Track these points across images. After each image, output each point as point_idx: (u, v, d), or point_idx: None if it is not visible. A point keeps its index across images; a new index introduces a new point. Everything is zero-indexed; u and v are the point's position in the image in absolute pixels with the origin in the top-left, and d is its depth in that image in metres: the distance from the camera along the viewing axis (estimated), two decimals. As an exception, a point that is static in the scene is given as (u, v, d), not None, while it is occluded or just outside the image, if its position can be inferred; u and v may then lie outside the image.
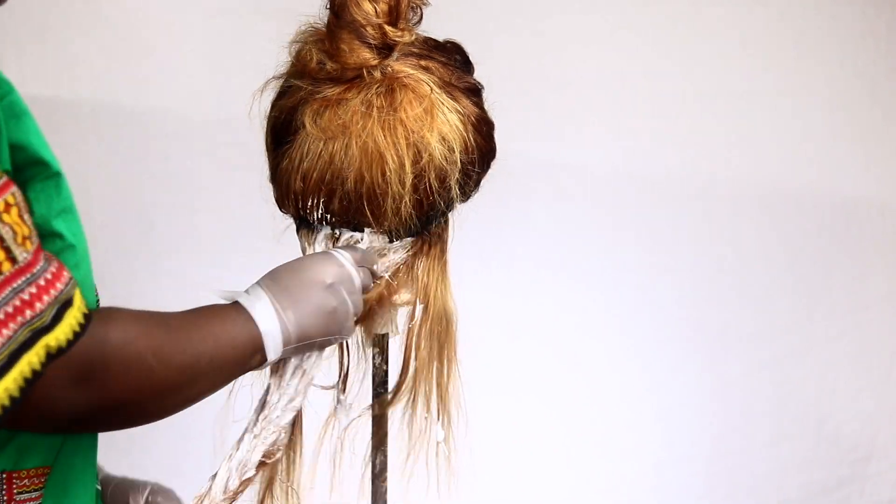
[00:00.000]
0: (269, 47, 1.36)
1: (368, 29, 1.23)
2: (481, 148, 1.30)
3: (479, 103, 1.31)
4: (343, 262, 1.23)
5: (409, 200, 1.24)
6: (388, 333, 1.37)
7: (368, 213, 1.25)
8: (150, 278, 2.51)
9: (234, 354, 1.13)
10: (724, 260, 2.82)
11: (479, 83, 1.33)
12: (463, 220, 1.37)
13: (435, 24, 1.35)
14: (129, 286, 2.41)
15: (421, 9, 1.29)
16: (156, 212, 2.55)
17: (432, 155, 1.24)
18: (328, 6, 1.26)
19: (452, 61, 1.31)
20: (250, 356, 1.15)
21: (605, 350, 2.78)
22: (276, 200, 1.34)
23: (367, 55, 1.24)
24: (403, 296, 1.33)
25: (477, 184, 1.33)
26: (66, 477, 1.10)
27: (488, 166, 1.33)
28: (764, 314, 2.84)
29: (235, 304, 1.16)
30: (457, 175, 1.26)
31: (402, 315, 1.40)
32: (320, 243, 1.30)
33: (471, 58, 1.35)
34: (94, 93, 2.51)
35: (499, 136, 1.37)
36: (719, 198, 2.80)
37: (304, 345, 1.19)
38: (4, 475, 1.06)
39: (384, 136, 1.23)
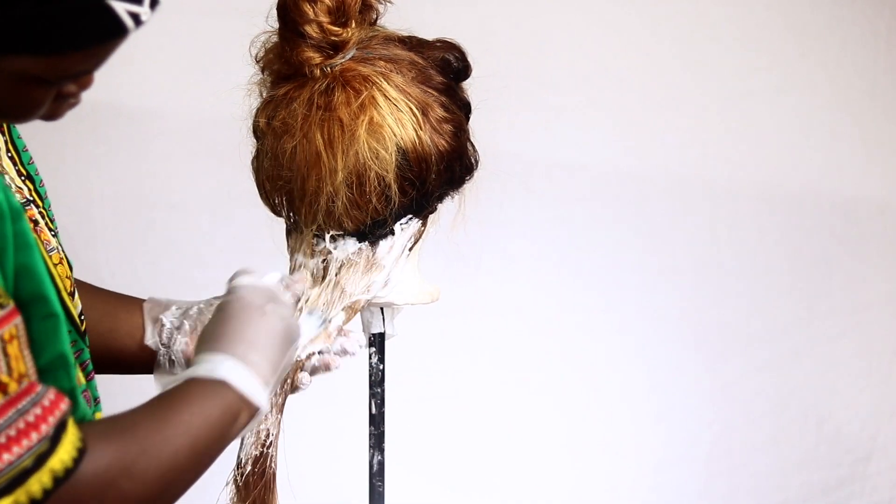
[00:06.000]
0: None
1: (307, 28, 1.23)
2: (440, 148, 1.28)
3: (446, 104, 1.29)
4: (246, 283, 1.17)
5: (346, 200, 1.24)
6: (384, 333, 1.37)
7: (321, 214, 1.25)
8: (150, 278, 2.51)
9: (214, 431, 1.05)
10: (725, 260, 2.82)
11: (451, 83, 1.31)
12: (462, 220, 1.36)
13: (435, 23, 1.35)
14: (129, 286, 2.41)
15: (377, 8, 1.29)
16: (156, 212, 2.55)
17: (359, 152, 1.23)
18: (276, 7, 1.27)
19: (434, 61, 1.30)
20: (233, 420, 1.07)
21: (605, 350, 2.78)
22: None
23: (310, 54, 1.25)
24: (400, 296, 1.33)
25: (449, 183, 1.32)
26: None
27: (453, 168, 1.31)
28: (764, 314, 2.84)
29: (193, 381, 1.07)
30: (392, 174, 1.25)
31: (400, 316, 1.40)
32: (302, 251, 1.31)
33: (468, 57, 1.34)
34: (94, 93, 2.50)
35: (498, 135, 1.37)
36: (719, 197, 2.80)
37: (277, 378, 1.13)
38: None
39: (321, 134, 1.23)
